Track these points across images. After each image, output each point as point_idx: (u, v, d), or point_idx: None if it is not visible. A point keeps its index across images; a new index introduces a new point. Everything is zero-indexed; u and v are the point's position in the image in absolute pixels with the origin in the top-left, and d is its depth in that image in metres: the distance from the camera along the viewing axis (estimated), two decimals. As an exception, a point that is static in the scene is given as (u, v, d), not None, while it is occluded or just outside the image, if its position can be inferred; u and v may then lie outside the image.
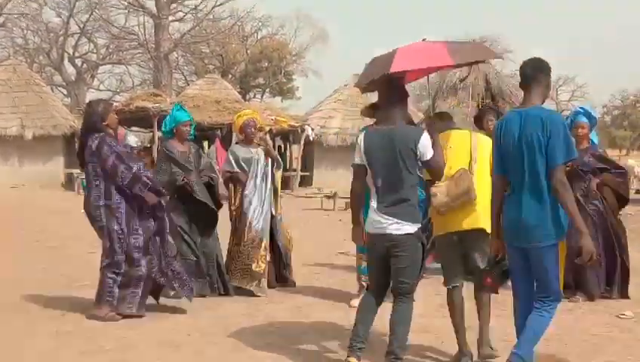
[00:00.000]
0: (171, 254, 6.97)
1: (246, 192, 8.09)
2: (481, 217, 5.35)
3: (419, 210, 5.21)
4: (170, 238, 7.02)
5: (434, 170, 5.22)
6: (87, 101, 38.31)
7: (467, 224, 5.41)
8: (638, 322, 6.92)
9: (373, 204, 5.15)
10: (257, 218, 8.06)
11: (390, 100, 5.22)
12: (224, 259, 8.09)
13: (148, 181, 6.81)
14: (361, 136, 5.28)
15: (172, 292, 7.23)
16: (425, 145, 5.05)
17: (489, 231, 5.18)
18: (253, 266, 7.98)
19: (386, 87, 5.24)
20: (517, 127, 4.72)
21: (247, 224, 8.02)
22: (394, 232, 5.03)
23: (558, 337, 6.30)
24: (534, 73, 4.83)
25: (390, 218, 5.04)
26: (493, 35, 44.38)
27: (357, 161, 5.23)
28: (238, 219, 8.10)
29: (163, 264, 6.88)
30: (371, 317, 5.29)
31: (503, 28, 53.03)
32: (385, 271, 5.19)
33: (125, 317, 6.70)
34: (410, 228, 5.05)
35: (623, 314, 7.10)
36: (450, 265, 5.58)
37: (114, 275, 6.76)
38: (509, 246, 4.89)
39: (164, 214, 6.95)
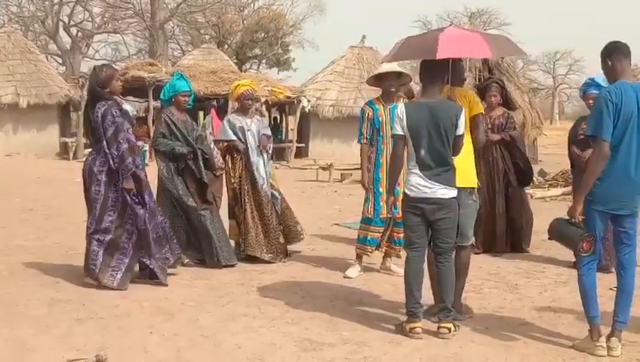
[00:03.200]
0: (158, 234, 6.91)
1: (252, 160, 8.07)
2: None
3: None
4: (158, 215, 6.98)
5: (459, 145, 5.59)
6: (80, 70, 37.95)
7: None
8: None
9: (416, 170, 5.52)
10: (267, 187, 8.09)
11: (432, 77, 5.64)
12: (225, 229, 8.07)
13: (130, 166, 6.69)
14: (403, 109, 5.62)
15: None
16: (462, 121, 5.54)
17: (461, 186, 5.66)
18: (280, 238, 8.18)
19: (427, 65, 5.65)
20: (635, 100, 4.99)
21: (263, 192, 8.05)
22: (442, 196, 5.48)
23: (551, 311, 6.34)
24: (629, 50, 5.15)
25: (437, 184, 5.46)
26: (491, 8, 44.30)
27: (398, 131, 5.60)
28: (245, 191, 8.06)
29: (150, 242, 6.82)
30: (421, 279, 5.64)
31: (500, 1, 52.83)
32: (425, 233, 5.61)
33: (118, 289, 6.67)
34: (454, 192, 5.52)
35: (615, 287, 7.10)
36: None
37: (99, 243, 6.73)
38: (601, 213, 5.09)
39: (150, 199, 6.90)
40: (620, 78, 5.12)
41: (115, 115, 6.71)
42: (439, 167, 5.48)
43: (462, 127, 5.53)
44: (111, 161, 6.68)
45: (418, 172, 5.51)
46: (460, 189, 5.61)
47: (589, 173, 5.06)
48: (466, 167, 5.81)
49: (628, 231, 5.19)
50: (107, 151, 6.69)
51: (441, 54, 5.43)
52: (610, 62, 5.15)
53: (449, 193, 5.49)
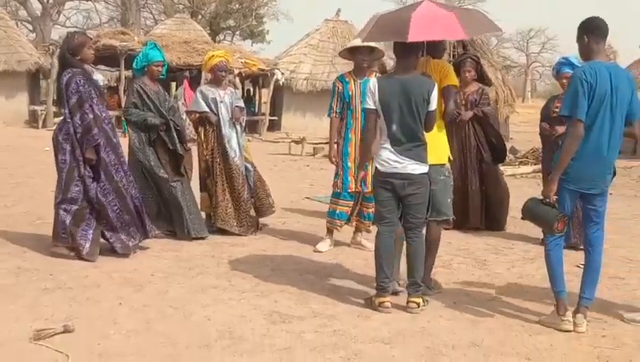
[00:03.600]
0: (119, 207, 6.81)
1: (224, 132, 8.01)
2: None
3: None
4: (129, 194, 6.89)
5: (431, 121, 5.59)
6: (51, 37, 37.30)
7: None
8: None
9: (387, 145, 5.52)
10: (239, 160, 8.04)
11: (405, 53, 5.58)
12: (197, 201, 8.03)
13: (96, 137, 6.59)
14: (375, 83, 5.61)
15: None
16: (434, 97, 5.52)
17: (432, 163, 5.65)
18: (251, 212, 8.16)
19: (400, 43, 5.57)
20: (608, 80, 5.01)
21: (234, 165, 8.00)
22: (412, 172, 5.47)
23: (518, 287, 6.41)
24: (607, 30, 5.17)
25: (407, 159, 5.46)
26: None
27: (370, 105, 5.60)
28: (217, 163, 8.01)
29: (111, 216, 6.74)
30: (392, 254, 5.69)
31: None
32: (396, 208, 5.61)
33: (87, 260, 6.62)
34: (425, 168, 5.52)
35: (582, 264, 7.20)
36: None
37: (66, 212, 6.66)
38: (572, 192, 5.16)
39: (124, 175, 6.81)
40: (594, 58, 5.14)
41: (79, 83, 6.59)
42: (410, 142, 5.47)
43: (434, 103, 5.51)
44: (71, 129, 6.59)
45: (389, 147, 5.51)
46: (431, 166, 5.61)
47: (564, 153, 5.09)
48: (437, 143, 5.81)
49: (597, 209, 5.25)
50: (69, 119, 6.60)
51: (413, 37, 5.33)
52: (586, 40, 5.16)
53: (420, 168, 5.47)
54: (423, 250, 5.66)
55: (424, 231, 5.75)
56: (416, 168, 5.46)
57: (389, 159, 5.50)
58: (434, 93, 5.51)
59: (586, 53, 5.20)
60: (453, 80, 6.01)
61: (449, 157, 6.02)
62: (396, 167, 5.48)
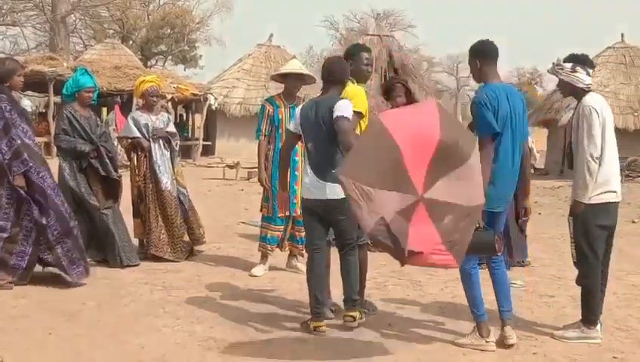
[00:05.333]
0: (60, 232, 6.68)
1: (155, 160, 7.94)
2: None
3: None
4: (64, 211, 6.75)
5: (342, 138, 5.29)
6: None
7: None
8: (526, 290, 7.18)
9: (309, 170, 5.54)
10: (171, 185, 7.98)
11: (327, 81, 5.66)
12: (128, 228, 7.90)
13: (28, 161, 6.47)
14: (299, 108, 5.72)
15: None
16: (338, 106, 5.39)
17: None
18: (185, 237, 8.12)
19: (326, 66, 5.69)
20: (506, 100, 5.17)
21: (167, 192, 7.94)
22: (334, 197, 5.36)
23: (452, 306, 6.50)
24: (497, 52, 5.36)
25: (328, 183, 5.36)
26: (397, 10, 44.97)
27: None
28: (149, 189, 7.94)
29: (51, 239, 6.62)
30: (323, 280, 5.72)
31: (406, 3, 53.69)
32: (324, 233, 5.65)
33: (17, 284, 6.48)
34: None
35: (514, 283, 7.35)
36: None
37: None
38: (498, 213, 5.28)
39: (46, 196, 6.63)
40: (489, 80, 5.31)
41: (4, 109, 6.45)
42: (329, 165, 5.28)
43: (337, 112, 5.35)
44: (0, 156, 6.45)
45: (310, 172, 5.53)
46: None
47: (484, 174, 5.09)
48: None
49: (500, 226, 5.39)
50: None
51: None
52: (478, 63, 5.33)
53: (341, 193, 4.99)
54: (356, 267, 5.65)
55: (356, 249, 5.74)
56: (338, 192, 5.11)
57: (311, 185, 5.50)
58: (339, 104, 5.40)
59: (478, 76, 5.37)
60: (358, 106, 5.76)
61: None
62: (317, 194, 5.46)
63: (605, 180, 5.38)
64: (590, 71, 5.48)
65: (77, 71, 7.92)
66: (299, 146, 7.32)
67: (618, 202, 5.55)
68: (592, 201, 5.37)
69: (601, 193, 5.39)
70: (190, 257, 8.17)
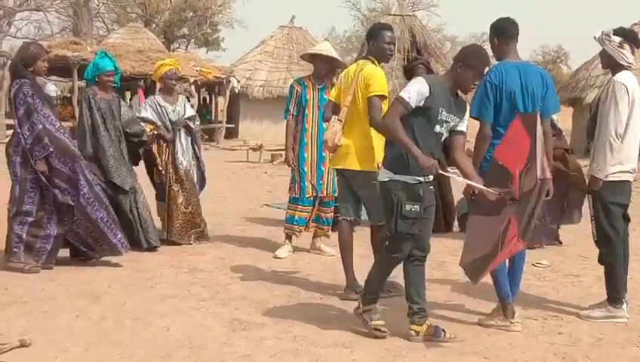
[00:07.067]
0: (84, 215, 6.70)
1: (176, 149, 7.99)
2: (347, 158, 5.86)
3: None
4: (91, 196, 6.78)
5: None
6: (2, 49, 36.64)
7: (335, 163, 6.04)
8: (552, 269, 7.15)
9: None
10: (188, 164, 8.02)
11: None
12: (149, 211, 7.93)
13: (49, 146, 6.50)
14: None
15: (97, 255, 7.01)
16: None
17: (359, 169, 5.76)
18: (202, 225, 8.17)
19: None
20: (517, 79, 5.11)
21: (187, 179, 8.00)
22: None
23: (475, 287, 6.47)
24: (516, 31, 5.28)
25: None
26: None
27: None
28: (170, 176, 7.97)
29: (76, 224, 6.67)
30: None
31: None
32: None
33: (44, 268, 6.56)
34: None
35: (539, 263, 7.32)
36: (340, 197, 6.19)
37: (21, 225, 6.57)
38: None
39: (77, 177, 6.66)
40: (505, 57, 5.26)
41: (26, 94, 6.49)
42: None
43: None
44: (22, 141, 6.50)
45: None
46: (358, 172, 5.73)
47: (476, 156, 5.21)
48: (364, 149, 5.82)
49: None
50: (19, 130, 6.51)
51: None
52: (496, 41, 5.30)
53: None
54: (421, 275, 5.17)
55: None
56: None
57: None
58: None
59: (497, 53, 5.34)
60: (378, 89, 5.78)
61: (377, 165, 5.67)
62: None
63: (624, 158, 5.34)
64: (635, 50, 5.42)
65: (97, 55, 7.94)
66: (308, 127, 7.34)
67: (631, 181, 5.52)
68: (610, 179, 5.33)
69: (619, 171, 5.36)
70: (201, 240, 8.17)
